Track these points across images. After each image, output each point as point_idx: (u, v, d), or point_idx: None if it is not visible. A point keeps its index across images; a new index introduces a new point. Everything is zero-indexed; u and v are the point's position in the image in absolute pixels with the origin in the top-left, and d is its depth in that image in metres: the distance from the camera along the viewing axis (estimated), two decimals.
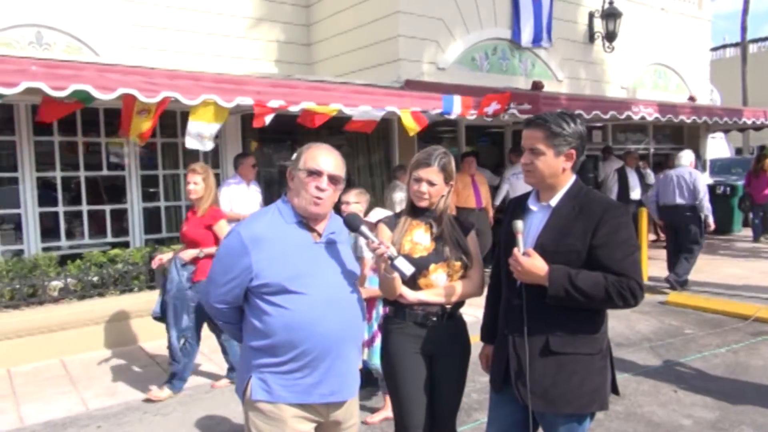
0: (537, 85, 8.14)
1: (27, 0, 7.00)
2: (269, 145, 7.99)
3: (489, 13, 8.86)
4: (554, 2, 9.46)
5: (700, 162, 10.84)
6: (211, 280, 2.14)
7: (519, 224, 2.13)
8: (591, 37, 10.28)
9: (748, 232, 11.57)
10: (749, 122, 9.98)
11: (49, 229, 6.38)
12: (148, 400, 4.33)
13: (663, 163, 11.32)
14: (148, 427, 3.97)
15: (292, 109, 5.56)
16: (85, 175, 6.57)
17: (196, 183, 4.34)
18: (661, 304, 6.77)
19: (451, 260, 2.49)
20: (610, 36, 10.20)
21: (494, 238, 7.40)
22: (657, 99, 10.25)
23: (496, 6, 8.94)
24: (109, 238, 6.69)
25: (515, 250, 2.11)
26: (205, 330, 4.53)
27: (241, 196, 6.16)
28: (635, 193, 9.70)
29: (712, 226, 7.28)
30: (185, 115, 5.28)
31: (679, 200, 7.19)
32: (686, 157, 7.49)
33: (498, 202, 8.31)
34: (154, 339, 5.51)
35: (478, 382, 4.09)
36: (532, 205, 2.25)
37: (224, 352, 4.63)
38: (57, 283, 5.63)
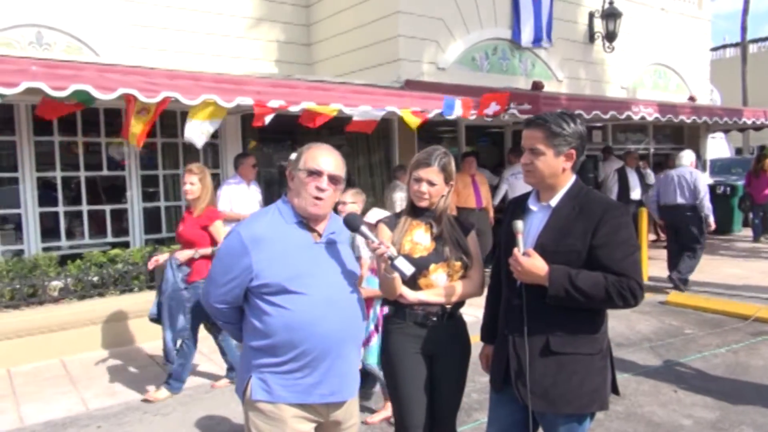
0: (537, 85, 8.14)
1: (27, 0, 7.00)
2: (269, 145, 7.99)
3: (489, 13, 8.86)
4: (554, 2, 9.46)
5: (700, 162, 10.84)
6: (212, 280, 2.14)
7: (519, 224, 2.13)
8: (591, 37, 10.28)
9: (748, 232, 11.57)
10: (749, 122, 9.99)
11: (49, 229, 6.38)
12: (146, 401, 4.33)
13: (663, 163, 11.31)
14: (148, 427, 3.97)
15: (292, 109, 5.56)
16: (85, 175, 6.57)
17: (193, 183, 4.32)
18: (661, 304, 6.77)
19: (451, 260, 2.49)
20: (610, 36, 10.20)
21: (495, 239, 7.40)
22: (657, 99, 10.25)
23: (496, 6, 8.94)
24: (109, 238, 6.69)
25: (515, 250, 2.11)
26: (204, 330, 4.53)
27: (241, 196, 6.16)
28: (635, 193, 9.70)
29: (713, 225, 7.28)
30: (185, 115, 5.28)
31: (680, 200, 7.20)
32: (687, 156, 7.51)
33: (497, 202, 8.31)
34: (153, 339, 5.48)
35: (478, 382, 4.09)
36: (532, 205, 2.25)
37: (222, 352, 4.63)
38: (57, 283, 5.63)
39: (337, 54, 8.83)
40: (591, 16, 10.22)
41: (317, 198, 2.08)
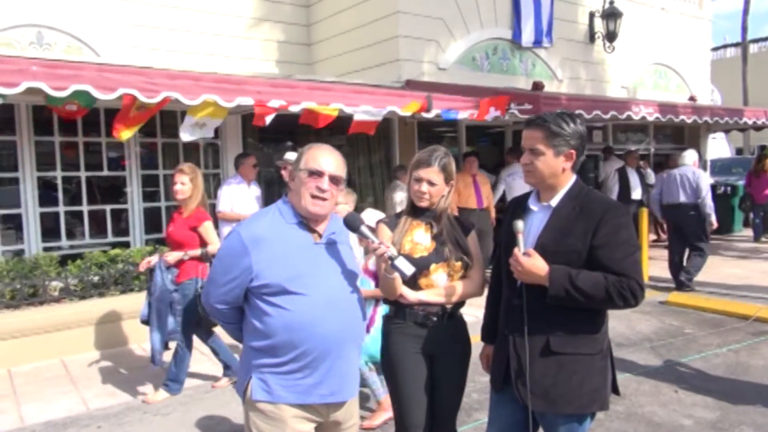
0: (537, 85, 8.14)
1: (28, 0, 7.01)
2: (269, 145, 7.99)
3: (489, 13, 8.86)
4: (555, 2, 9.46)
5: (700, 162, 10.84)
6: (212, 280, 2.14)
7: (519, 224, 2.13)
8: (591, 37, 10.28)
9: (748, 232, 11.57)
10: (750, 122, 9.98)
11: (49, 229, 6.39)
12: (144, 403, 4.33)
13: (663, 163, 11.32)
14: (149, 427, 3.97)
15: (293, 109, 5.56)
16: (86, 175, 6.58)
17: (183, 183, 4.29)
18: (661, 304, 6.77)
19: (451, 260, 2.49)
20: (610, 36, 10.20)
21: (496, 239, 7.39)
22: (657, 99, 10.25)
23: (496, 6, 8.94)
24: (110, 238, 6.70)
25: (516, 250, 2.11)
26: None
27: (241, 196, 6.17)
28: (636, 193, 9.70)
29: (715, 224, 7.31)
30: (185, 115, 5.28)
31: (682, 198, 7.23)
32: (690, 156, 7.56)
33: (494, 202, 8.30)
34: None
35: (478, 382, 4.09)
36: (533, 205, 2.24)
37: (215, 353, 4.61)
38: (57, 283, 5.63)
39: (337, 54, 8.83)
40: (591, 16, 10.22)
41: (318, 198, 2.08)
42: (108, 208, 6.72)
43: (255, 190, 6.38)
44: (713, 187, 10.80)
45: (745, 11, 19.17)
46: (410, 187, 2.55)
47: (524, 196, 2.35)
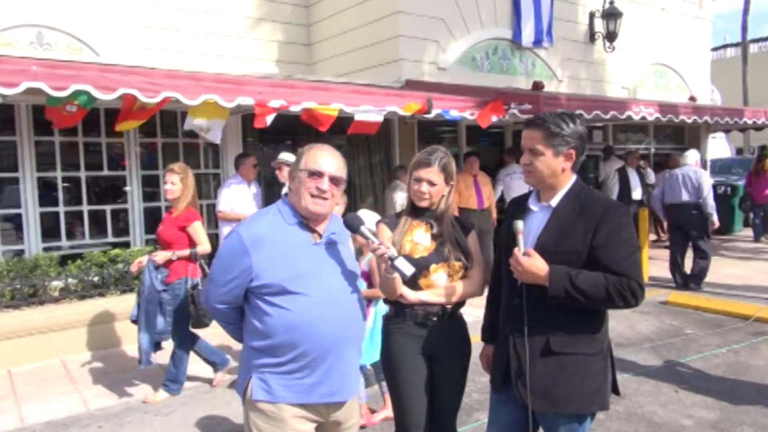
0: (538, 85, 8.14)
1: (28, 0, 7.01)
2: (269, 145, 7.99)
3: (490, 13, 8.86)
4: (555, 2, 9.46)
5: (701, 162, 10.84)
6: (212, 280, 2.14)
7: (519, 224, 2.13)
8: (592, 37, 10.28)
9: (748, 232, 11.56)
10: (750, 122, 9.98)
11: (49, 229, 6.39)
12: (144, 403, 4.33)
13: (663, 163, 11.32)
14: (149, 427, 3.97)
15: (293, 109, 5.56)
16: (86, 175, 6.58)
17: (174, 183, 4.26)
18: (661, 304, 6.77)
19: (451, 260, 2.49)
20: (610, 36, 10.21)
21: (496, 239, 7.38)
22: (658, 99, 10.25)
23: (496, 6, 8.94)
24: (110, 238, 6.70)
25: (516, 250, 2.11)
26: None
27: (241, 197, 6.16)
28: (636, 193, 9.71)
29: (716, 224, 7.33)
30: (186, 115, 5.29)
31: (685, 198, 7.26)
32: (692, 156, 7.61)
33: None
34: None
35: (478, 382, 4.09)
36: (533, 206, 2.24)
37: (199, 354, 4.60)
38: (57, 283, 5.63)
39: (337, 54, 8.84)
40: (591, 16, 10.23)
41: (318, 199, 2.08)
42: (108, 208, 6.72)
43: (255, 191, 6.38)
44: (713, 187, 10.81)
45: (745, 11, 19.17)
46: (410, 187, 2.55)
47: (524, 196, 2.35)
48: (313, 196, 2.08)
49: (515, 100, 6.82)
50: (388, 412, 3.67)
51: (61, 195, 6.44)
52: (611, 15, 10.04)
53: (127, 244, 6.67)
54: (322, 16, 9.07)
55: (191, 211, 4.32)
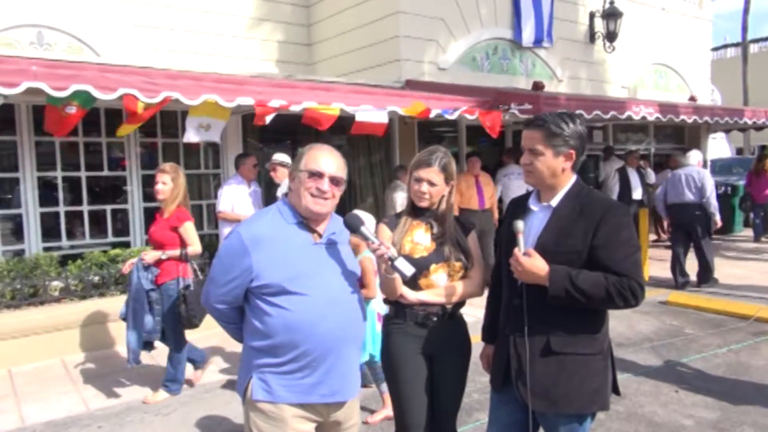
0: (538, 85, 8.14)
1: (28, 0, 7.01)
2: (270, 145, 7.99)
3: (490, 13, 8.86)
4: (555, 2, 9.47)
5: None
6: (212, 280, 2.14)
7: (519, 224, 2.14)
8: (592, 37, 10.28)
9: (748, 232, 11.56)
10: (750, 122, 9.99)
11: (50, 229, 6.39)
12: (144, 403, 4.33)
13: (663, 163, 11.32)
14: (149, 427, 3.97)
15: (294, 109, 5.56)
16: (86, 175, 6.58)
17: (164, 183, 4.25)
18: (661, 304, 6.77)
19: (451, 260, 2.49)
20: (610, 36, 10.21)
21: (497, 239, 7.37)
22: (658, 99, 10.25)
23: (496, 6, 8.94)
24: (110, 238, 6.69)
25: (516, 250, 2.11)
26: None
27: (241, 197, 6.16)
28: (636, 193, 9.70)
29: (719, 223, 7.36)
30: (186, 115, 5.29)
31: (688, 197, 7.28)
32: (694, 156, 7.64)
33: None
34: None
35: (478, 382, 4.09)
36: (533, 206, 2.25)
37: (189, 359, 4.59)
38: (58, 283, 5.63)
39: (337, 54, 8.84)
40: (591, 15, 10.23)
41: (318, 199, 2.08)
42: (108, 208, 6.72)
43: (255, 191, 6.38)
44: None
45: (745, 11, 19.18)
46: (410, 187, 2.55)
47: (524, 196, 2.36)
48: (313, 196, 2.08)
49: (515, 100, 6.83)
50: (388, 411, 3.68)
51: (61, 195, 6.44)
52: (611, 15, 10.04)
53: (127, 244, 6.66)
54: (322, 16, 9.07)
55: (183, 211, 4.31)
